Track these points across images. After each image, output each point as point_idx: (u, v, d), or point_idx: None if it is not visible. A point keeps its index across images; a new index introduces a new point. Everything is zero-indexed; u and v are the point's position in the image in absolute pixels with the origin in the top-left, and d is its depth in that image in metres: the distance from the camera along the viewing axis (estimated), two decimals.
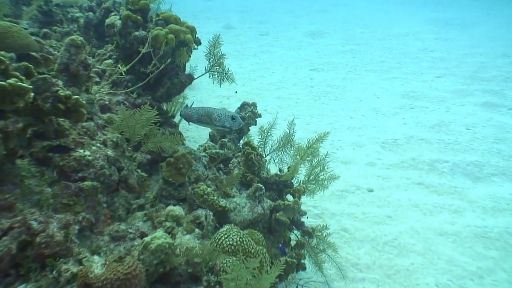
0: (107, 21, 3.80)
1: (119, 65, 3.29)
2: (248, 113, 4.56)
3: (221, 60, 3.70)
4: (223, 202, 3.10)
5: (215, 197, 2.99)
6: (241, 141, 4.51)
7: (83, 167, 2.32)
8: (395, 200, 5.55)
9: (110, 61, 3.83)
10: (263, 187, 3.40)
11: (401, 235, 4.78)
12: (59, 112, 2.16)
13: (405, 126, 8.06)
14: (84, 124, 2.57)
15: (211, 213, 2.91)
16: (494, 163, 6.38)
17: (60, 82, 2.21)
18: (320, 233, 3.94)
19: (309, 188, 4.08)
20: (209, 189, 2.98)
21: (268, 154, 4.31)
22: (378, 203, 5.49)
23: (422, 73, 11.58)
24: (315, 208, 5.34)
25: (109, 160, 2.52)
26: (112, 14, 3.97)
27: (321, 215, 5.23)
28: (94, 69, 3.66)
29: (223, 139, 4.20)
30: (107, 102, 3.30)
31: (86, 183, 2.25)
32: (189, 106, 3.47)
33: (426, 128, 7.89)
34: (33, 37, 3.12)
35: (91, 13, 4.75)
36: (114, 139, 2.68)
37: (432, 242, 4.63)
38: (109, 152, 2.54)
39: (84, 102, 2.25)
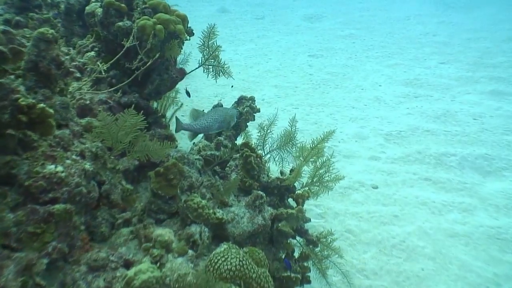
0: (87, 8, 3.39)
1: (98, 62, 2.89)
2: (246, 108, 4.19)
3: (217, 53, 3.31)
4: (219, 213, 2.77)
5: (211, 210, 2.65)
6: (239, 138, 4.17)
7: (55, 186, 1.96)
8: (401, 197, 5.24)
9: (92, 53, 3.42)
10: (264, 195, 3.07)
11: (410, 237, 4.49)
12: (21, 124, 1.80)
13: (409, 116, 7.71)
14: (57, 133, 2.20)
15: (206, 229, 2.58)
16: (504, 156, 6.07)
17: (22, 88, 1.83)
18: (325, 239, 3.64)
19: (312, 190, 3.76)
20: (203, 202, 2.64)
21: (268, 153, 3.97)
22: (383, 201, 5.18)
23: (425, 59, 11.17)
24: (317, 207, 5.03)
25: (87, 175, 2.17)
26: (93, 0, 3.55)
27: (323, 214, 4.93)
28: (74, 63, 3.26)
29: (219, 137, 3.85)
30: (88, 102, 2.91)
31: (57, 206, 1.89)
32: (177, 116, 3.08)
33: (432, 118, 7.54)
34: (1, 27, 2.73)
35: None
36: (94, 149, 2.32)
37: (442, 245, 4.34)
38: (87, 166, 2.18)
39: (52, 111, 1.88)
